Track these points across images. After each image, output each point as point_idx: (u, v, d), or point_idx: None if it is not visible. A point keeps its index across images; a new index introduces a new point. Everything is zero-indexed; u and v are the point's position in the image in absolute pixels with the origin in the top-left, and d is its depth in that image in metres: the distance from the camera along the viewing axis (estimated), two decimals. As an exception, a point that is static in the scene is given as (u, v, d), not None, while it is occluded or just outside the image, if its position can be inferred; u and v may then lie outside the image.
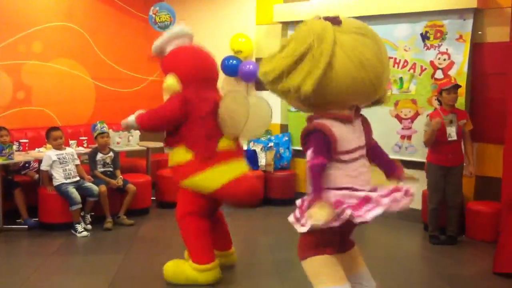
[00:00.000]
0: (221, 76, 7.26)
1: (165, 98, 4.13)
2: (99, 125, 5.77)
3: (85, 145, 6.16)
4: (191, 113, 3.86)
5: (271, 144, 6.78)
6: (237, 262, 4.35)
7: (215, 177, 3.78)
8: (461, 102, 5.46)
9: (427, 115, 5.18)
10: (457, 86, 5.08)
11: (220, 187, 3.76)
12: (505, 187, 4.47)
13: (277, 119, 6.89)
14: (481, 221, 5.12)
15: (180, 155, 3.89)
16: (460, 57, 5.49)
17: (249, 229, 5.04)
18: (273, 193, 6.62)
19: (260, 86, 7.09)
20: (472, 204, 5.30)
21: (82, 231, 5.19)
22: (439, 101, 5.18)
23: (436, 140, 5.00)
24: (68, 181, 5.32)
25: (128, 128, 4.28)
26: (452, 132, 4.98)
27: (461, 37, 5.48)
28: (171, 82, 3.95)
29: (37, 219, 5.43)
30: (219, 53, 7.20)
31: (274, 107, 6.93)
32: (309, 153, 2.63)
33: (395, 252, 4.91)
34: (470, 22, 5.43)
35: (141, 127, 4.12)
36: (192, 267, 3.86)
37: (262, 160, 6.72)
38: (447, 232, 5.12)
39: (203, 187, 3.81)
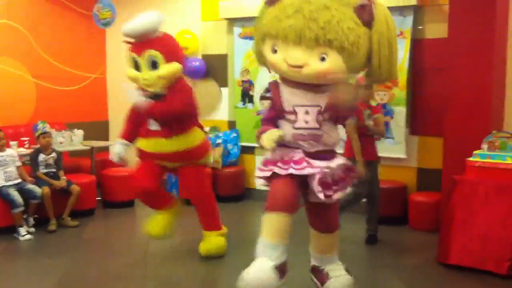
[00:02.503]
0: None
1: (163, 83, 4.15)
2: (40, 125, 5.61)
3: (26, 146, 5.97)
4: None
5: (219, 140, 6.78)
6: (186, 259, 4.35)
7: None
8: (402, 96, 5.64)
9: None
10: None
11: None
12: (445, 178, 4.66)
13: (224, 116, 6.90)
14: (423, 212, 5.30)
15: (196, 136, 4.36)
16: (401, 53, 5.63)
17: (197, 226, 5.00)
18: (221, 189, 6.61)
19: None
20: (414, 195, 5.47)
21: (25, 234, 5.05)
22: None
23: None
24: (9, 183, 5.16)
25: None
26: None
27: (401, 33, 5.63)
28: (176, 69, 4.18)
29: (-23, 223, 5.24)
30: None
31: (222, 104, 7.00)
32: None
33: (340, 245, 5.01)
34: (410, 19, 5.59)
35: (173, 113, 4.15)
36: (219, 234, 4.47)
37: (210, 157, 6.70)
38: (368, 232, 4.99)
39: (209, 159, 4.67)
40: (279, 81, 3.11)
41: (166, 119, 4.16)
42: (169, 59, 4.14)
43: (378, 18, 2.90)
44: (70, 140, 6.32)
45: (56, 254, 4.64)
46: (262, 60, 3.15)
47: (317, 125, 2.98)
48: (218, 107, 4.82)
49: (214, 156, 6.68)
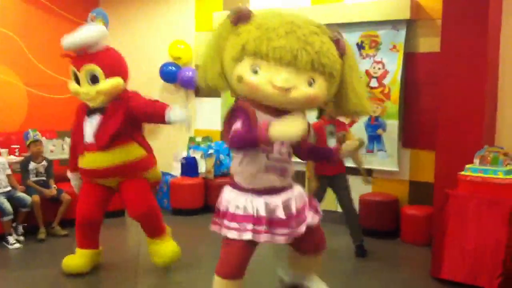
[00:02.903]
0: (160, 82, 7.22)
1: (104, 99, 4.07)
2: (31, 132, 5.57)
3: (17, 154, 5.94)
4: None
5: (211, 151, 6.76)
6: (178, 271, 4.32)
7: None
8: (394, 109, 5.66)
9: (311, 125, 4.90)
10: None
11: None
12: (437, 192, 4.66)
13: (217, 126, 6.89)
14: (415, 225, 5.30)
15: (133, 151, 4.17)
16: (394, 66, 5.69)
17: (188, 237, 4.99)
18: (213, 200, 6.54)
19: (199, 92, 7.07)
20: (406, 208, 5.48)
21: (14, 243, 5.00)
22: (321, 111, 4.87)
23: None
24: (-1, 191, 5.12)
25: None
26: (332, 143, 4.82)
27: (394, 47, 5.67)
28: (117, 84, 4.09)
29: (-35, 231, 5.18)
30: (157, 59, 7.18)
31: (214, 114, 6.99)
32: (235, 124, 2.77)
33: (328, 256, 4.99)
34: (403, 33, 5.63)
35: (146, 108, 4.09)
36: (165, 237, 4.37)
37: (202, 167, 6.69)
38: (354, 243, 4.98)
39: (157, 177, 4.47)
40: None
41: (142, 117, 4.10)
42: (110, 74, 4.04)
43: (349, 53, 2.91)
44: (61, 149, 6.28)
45: (45, 263, 4.60)
46: (221, 83, 2.87)
47: (288, 158, 2.94)
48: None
49: (207, 166, 6.67)
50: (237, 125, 2.74)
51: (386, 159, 5.78)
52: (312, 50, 2.63)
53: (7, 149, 5.85)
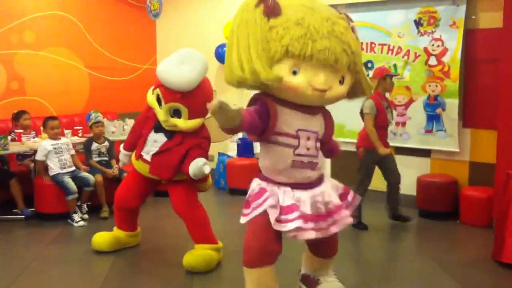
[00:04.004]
0: (215, 64, 7.29)
1: (173, 129, 3.94)
2: (93, 114, 5.76)
3: (80, 135, 6.16)
4: None
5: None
6: (230, 249, 4.39)
7: None
8: (454, 88, 5.51)
9: (367, 99, 4.82)
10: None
11: None
12: (498, 173, 4.53)
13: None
14: (475, 207, 5.18)
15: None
16: (453, 44, 5.51)
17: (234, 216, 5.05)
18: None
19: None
20: (466, 190, 5.35)
21: (79, 221, 5.21)
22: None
23: (379, 126, 4.90)
24: (64, 171, 5.32)
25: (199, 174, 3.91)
26: (390, 117, 4.99)
27: (454, 23, 5.49)
28: (196, 125, 3.95)
29: (33, 209, 5.44)
30: (212, 40, 7.23)
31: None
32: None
33: (387, 239, 4.96)
34: (463, 8, 5.44)
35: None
36: (211, 248, 4.03)
37: (257, 148, 6.74)
38: (398, 212, 5.21)
39: (205, 187, 4.31)
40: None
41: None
42: (193, 116, 3.89)
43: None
44: (122, 130, 6.46)
45: (108, 241, 4.77)
46: (257, 80, 2.55)
47: (316, 153, 2.82)
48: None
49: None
50: (249, 109, 2.65)
51: (445, 139, 5.64)
52: (349, 51, 2.61)
53: (70, 131, 6.06)
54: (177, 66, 3.77)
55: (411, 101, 5.82)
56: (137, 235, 4.56)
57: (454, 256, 4.38)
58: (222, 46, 7.10)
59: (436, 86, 5.63)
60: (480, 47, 5.45)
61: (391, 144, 5.37)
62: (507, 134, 4.56)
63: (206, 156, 4.03)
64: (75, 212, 5.26)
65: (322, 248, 3.07)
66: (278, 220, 2.67)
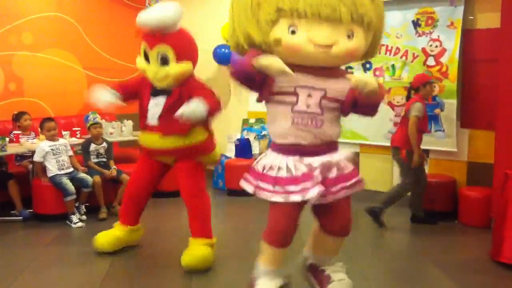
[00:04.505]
0: (214, 64, 7.28)
1: (171, 82, 3.95)
2: (91, 115, 5.76)
3: (78, 136, 6.14)
4: None
5: (265, 132, 6.80)
6: (228, 250, 4.40)
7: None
8: (452, 88, 5.52)
9: (416, 102, 5.00)
10: None
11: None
12: (497, 173, 4.53)
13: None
14: (473, 207, 5.18)
15: (196, 135, 4.04)
16: (451, 44, 5.52)
17: (242, 217, 5.06)
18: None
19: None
20: (464, 190, 5.35)
21: (77, 222, 5.20)
22: (414, 90, 5.15)
23: (419, 130, 5.01)
24: (62, 172, 5.32)
25: (193, 117, 3.82)
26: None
27: (452, 23, 5.50)
28: (187, 69, 3.99)
29: (31, 210, 5.43)
30: (210, 41, 7.23)
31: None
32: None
33: (385, 239, 4.96)
34: (461, 9, 5.45)
35: (214, 112, 3.98)
36: (206, 243, 4.02)
37: (256, 148, 6.74)
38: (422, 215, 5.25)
39: (214, 160, 4.33)
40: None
41: (213, 114, 3.96)
42: (180, 57, 3.93)
43: None
44: (120, 131, 6.46)
45: (106, 242, 4.77)
46: (252, 44, 2.67)
47: (319, 110, 2.69)
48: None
49: (260, 148, 6.72)
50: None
51: (443, 139, 5.65)
52: (349, 2, 2.52)
53: (68, 132, 6.05)
54: (151, 9, 4.06)
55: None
56: (138, 230, 4.55)
57: (452, 256, 4.38)
58: (220, 47, 7.10)
59: (435, 86, 5.63)
60: (478, 48, 5.46)
61: (388, 144, 5.39)
62: (505, 134, 4.57)
63: (213, 97, 3.99)
64: (73, 213, 5.25)
65: (332, 221, 2.94)
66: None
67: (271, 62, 2.49)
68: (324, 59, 2.65)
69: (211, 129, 4.20)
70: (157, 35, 3.91)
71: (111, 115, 6.96)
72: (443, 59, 5.58)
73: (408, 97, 5.26)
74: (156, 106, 4.05)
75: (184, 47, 4.01)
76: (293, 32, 2.58)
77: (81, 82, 7.17)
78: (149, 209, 5.83)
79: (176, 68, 3.93)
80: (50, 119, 5.55)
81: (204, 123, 4.05)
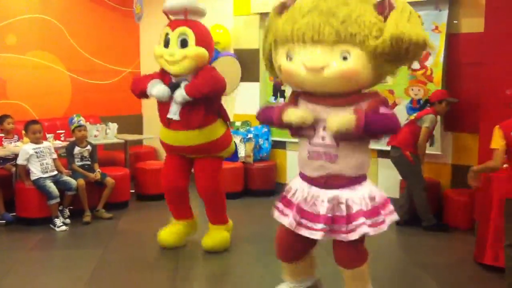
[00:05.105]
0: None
1: (187, 64, 4.08)
2: (76, 118, 5.71)
3: (62, 139, 6.10)
4: None
5: (250, 135, 6.79)
6: (218, 253, 4.40)
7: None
8: (437, 92, 5.55)
9: (430, 114, 5.16)
10: None
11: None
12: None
13: (256, 111, 6.88)
14: (458, 209, 5.22)
15: (217, 129, 4.29)
16: (436, 48, 5.56)
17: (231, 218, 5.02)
18: (253, 184, 6.64)
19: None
20: (448, 192, 5.39)
21: (61, 226, 5.15)
22: (430, 104, 5.27)
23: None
24: (46, 175, 5.27)
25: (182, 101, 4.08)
26: None
27: (437, 28, 5.54)
28: (204, 54, 4.12)
29: (14, 213, 5.37)
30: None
31: (253, 99, 7.00)
32: None
33: (370, 240, 4.96)
34: (445, 13, 5.50)
35: (193, 95, 4.02)
36: (224, 228, 4.51)
37: (242, 151, 6.73)
38: (434, 221, 5.21)
39: (231, 152, 4.55)
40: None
41: (195, 96, 4.02)
42: (199, 43, 4.09)
43: (398, 5, 2.59)
44: (105, 134, 6.42)
45: (90, 245, 4.74)
46: (273, 72, 2.95)
47: (333, 143, 2.66)
48: (238, 83, 4.93)
49: (246, 151, 6.71)
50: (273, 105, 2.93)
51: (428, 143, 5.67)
52: (336, 21, 2.46)
53: (52, 134, 6.01)
54: None
55: (394, 104, 5.85)
56: (195, 224, 4.67)
57: (436, 258, 4.41)
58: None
59: (419, 90, 5.67)
60: (462, 52, 5.51)
61: (374, 147, 5.41)
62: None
63: (220, 80, 4.13)
64: (57, 217, 5.20)
65: (336, 252, 2.89)
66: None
67: (292, 118, 2.67)
68: (320, 84, 2.62)
69: (228, 118, 4.45)
70: (180, 20, 4.15)
71: (95, 118, 6.92)
72: (428, 63, 5.61)
73: (422, 108, 5.36)
74: (175, 100, 4.14)
75: (203, 34, 4.20)
76: (290, 59, 2.64)
77: (65, 85, 7.12)
78: (132, 212, 5.83)
79: (194, 49, 4.07)
80: (35, 121, 5.50)
81: (222, 113, 4.35)
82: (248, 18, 7.00)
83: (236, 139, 6.75)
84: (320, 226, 2.68)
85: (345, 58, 2.52)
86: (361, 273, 2.91)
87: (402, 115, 5.71)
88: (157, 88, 4.10)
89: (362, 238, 2.79)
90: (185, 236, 4.58)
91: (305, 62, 2.57)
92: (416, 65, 5.68)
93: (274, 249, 3.07)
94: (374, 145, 5.44)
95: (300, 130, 2.75)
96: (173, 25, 4.17)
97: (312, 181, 2.78)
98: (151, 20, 7.62)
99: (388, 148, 5.43)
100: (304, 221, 2.75)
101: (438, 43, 5.53)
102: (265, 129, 6.89)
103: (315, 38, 2.51)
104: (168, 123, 4.23)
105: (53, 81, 6.96)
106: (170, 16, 4.29)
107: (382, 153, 5.91)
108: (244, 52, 6.95)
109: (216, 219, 4.51)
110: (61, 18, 7.00)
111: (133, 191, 6.41)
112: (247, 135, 6.78)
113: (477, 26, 5.15)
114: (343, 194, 2.71)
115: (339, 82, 2.59)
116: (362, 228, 2.68)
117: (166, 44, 4.14)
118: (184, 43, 4.08)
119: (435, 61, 5.56)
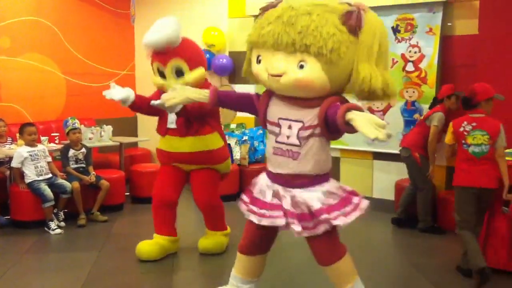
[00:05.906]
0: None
1: (193, 90, 3.99)
2: (70, 120, 5.70)
3: (56, 141, 6.09)
4: None
5: (246, 137, 6.80)
6: (210, 256, 4.42)
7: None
8: (431, 94, 5.57)
9: (438, 112, 5.11)
10: None
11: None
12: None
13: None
14: (452, 211, 5.19)
15: (214, 141, 4.33)
16: (430, 50, 5.59)
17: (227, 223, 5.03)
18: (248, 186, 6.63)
19: (233, 79, 7.09)
20: (443, 194, 5.40)
21: (55, 229, 5.13)
22: (439, 101, 5.23)
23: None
24: (40, 178, 5.25)
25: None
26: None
27: (431, 30, 5.57)
28: (201, 73, 4.18)
29: (9, 216, 5.35)
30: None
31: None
32: None
33: (366, 240, 4.98)
34: (439, 15, 5.52)
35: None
36: (222, 234, 4.56)
37: (237, 153, 6.73)
38: (431, 223, 5.24)
39: (227, 169, 4.56)
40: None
41: (197, 114, 4.09)
42: (193, 66, 4.13)
43: (367, 27, 2.63)
44: (100, 136, 6.41)
45: (85, 248, 4.72)
46: (248, 72, 3.04)
47: (297, 142, 2.73)
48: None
49: (241, 152, 6.71)
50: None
51: (422, 144, 5.69)
52: (293, 31, 2.54)
53: (47, 137, 5.99)
54: (152, 28, 4.14)
55: (388, 106, 5.87)
56: (177, 241, 4.56)
57: (431, 260, 4.43)
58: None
59: (414, 92, 5.69)
60: (456, 54, 5.53)
61: (369, 149, 5.43)
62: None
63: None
64: (52, 220, 5.19)
65: (312, 250, 2.92)
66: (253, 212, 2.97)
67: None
68: (279, 89, 2.76)
69: (225, 139, 4.54)
70: (167, 52, 4.07)
71: (90, 120, 6.91)
72: (422, 65, 5.64)
73: (431, 106, 5.32)
74: (173, 114, 4.21)
75: (193, 55, 4.20)
76: (259, 61, 2.77)
77: (59, 87, 7.10)
78: (127, 215, 5.82)
79: (192, 76, 4.11)
80: (30, 124, 5.49)
81: (219, 130, 4.42)
82: (243, 20, 7.01)
83: (232, 141, 6.76)
84: (280, 213, 2.80)
85: (301, 67, 2.60)
86: (341, 268, 2.95)
87: (396, 116, 5.75)
88: (120, 92, 4.15)
89: (335, 233, 2.88)
90: (166, 252, 4.40)
91: (267, 67, 2.71)
92: (410, 67, 5.71)
93: (240, 245, 3.17)
94: (369, 147, 5.52)
95: (270, 126, 2.88)
96: (161, 59, 4.10)
97: (274, 178, 2.88)
98: (146, 23, 7.63)
99: (384, 150, 5.45)
100: (267, 212, 2.86)
101: (432, 45, 5.55)
102: (260, 131, 6.89)
103: (275, 46, 2.62)
104: (166, 132, 4.31)
105: (48, 83, 6.94)
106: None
107: (377, 155, 5.92)
108: (239, 54, 6.95)
109: (215, 227, 4.56)
110: (56, 20, 6.98)
111: (128, 193, 6.40)
112: (242, 137, 6.78)
113: (471, 28, 5.18)
114: (303, 194, 2.77)
115: (295, 89, 2.69)
116: (328, 222, 2.73)
117: (162, 74, 4.17)
118: (180, 73, 4.12)
119: (430, 63, 5.59)
